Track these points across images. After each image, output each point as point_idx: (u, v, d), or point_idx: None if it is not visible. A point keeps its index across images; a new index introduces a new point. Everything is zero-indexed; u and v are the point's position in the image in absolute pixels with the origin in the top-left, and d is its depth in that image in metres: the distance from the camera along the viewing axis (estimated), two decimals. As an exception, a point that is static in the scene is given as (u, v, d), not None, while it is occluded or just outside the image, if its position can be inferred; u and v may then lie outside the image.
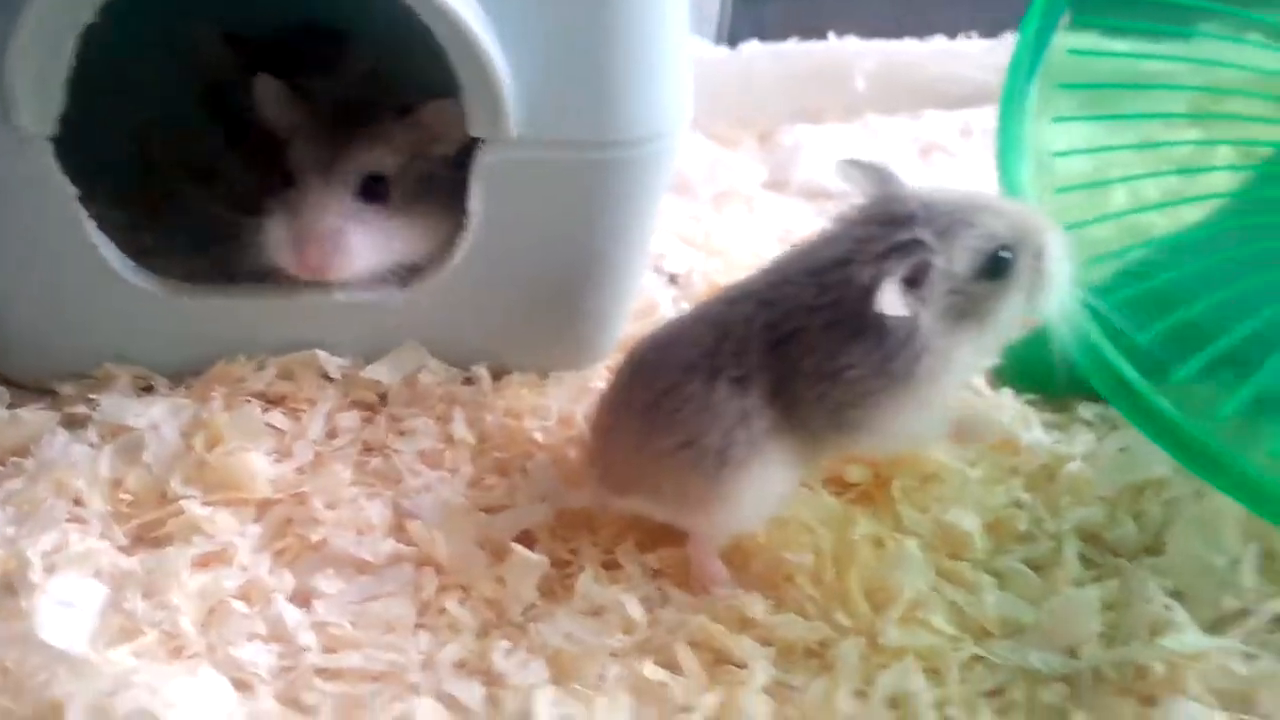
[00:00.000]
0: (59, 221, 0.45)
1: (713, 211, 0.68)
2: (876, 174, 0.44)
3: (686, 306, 0.61)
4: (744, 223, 0.67)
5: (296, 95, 0.48)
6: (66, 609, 0.39)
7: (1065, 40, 0.56)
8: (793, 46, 0.74)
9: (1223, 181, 0.59)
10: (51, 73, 0.41)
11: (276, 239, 0.47)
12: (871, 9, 0.80)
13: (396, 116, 0.48)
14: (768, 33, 0.76)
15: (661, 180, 0.49)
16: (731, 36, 0.76)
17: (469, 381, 0.52)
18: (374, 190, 0.48)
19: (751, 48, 0.73)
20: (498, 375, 0.53)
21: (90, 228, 0.45)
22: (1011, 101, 0.54)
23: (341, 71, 0.52)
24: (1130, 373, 0.46)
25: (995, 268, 0.41)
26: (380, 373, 0.50)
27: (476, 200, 0.46)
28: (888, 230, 0.41)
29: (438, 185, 0.48)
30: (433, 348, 0.51)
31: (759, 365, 0.42)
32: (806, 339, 0.42)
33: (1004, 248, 0.41)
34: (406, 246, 0.48)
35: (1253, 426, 0.46)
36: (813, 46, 0.74)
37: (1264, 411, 0.46)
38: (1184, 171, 0.59)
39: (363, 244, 0.47)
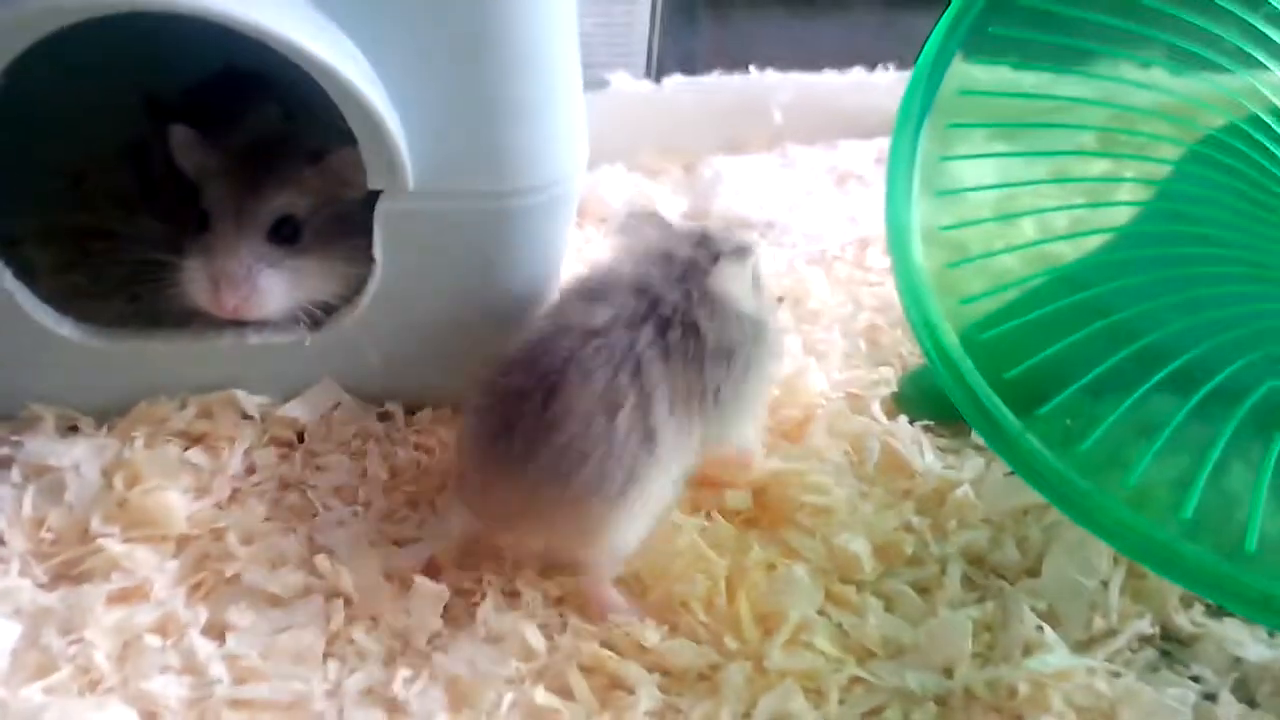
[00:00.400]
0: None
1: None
2: (656, 219, 0.51)
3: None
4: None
5: (209, 142, 0.50)
6: (-18, 648, 0.41)
7: (957, 80, 0.58)
8: (714, 80, 0.76)
9: (1122, 215, 0.61)
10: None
11: (194, 281, 0.49)
12: (795, 42, 0.83)
13: (307, 161, 0.50)
14: (695, 66, 0.79)
15: (560, 222, 0.51)
16: (659, 70, 0.78)
17: (384, 417, 0.54)
18: (285, 232, 0.50)
19: (675, 81, 0.76)
20: (412, 410, 0.55)
21: (6, 276, 0.47)
22: (900, 142, 0.56)
23: (255, 117, 0.54)
24: (993, 404, 0.49)
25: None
26: (297, 410, 0.52)
27: (380, 247, 0.48)
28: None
29: (349, 227, 0.49)
30: (348, 385, 0.53)
31: (657, 381, 0.45)
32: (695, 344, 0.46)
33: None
34: (319, 285, 0.50)
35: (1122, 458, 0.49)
36: (733, 80, 0.76)
37: (1131, 444, 0.49)
38: (1084, 206, 0.61)
39: (275, 284, 0.49)
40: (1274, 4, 0.53)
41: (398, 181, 0.45)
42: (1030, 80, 0.60)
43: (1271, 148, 0.55)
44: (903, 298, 0.52)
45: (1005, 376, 0.51)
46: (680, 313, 0.46)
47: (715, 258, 0.48)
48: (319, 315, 0.51)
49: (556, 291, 0.51)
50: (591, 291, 0.46)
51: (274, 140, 0.51)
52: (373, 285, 0.49)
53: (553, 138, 0.47)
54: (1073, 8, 0.57)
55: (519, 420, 0.43)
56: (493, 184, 0.47)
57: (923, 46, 0.73)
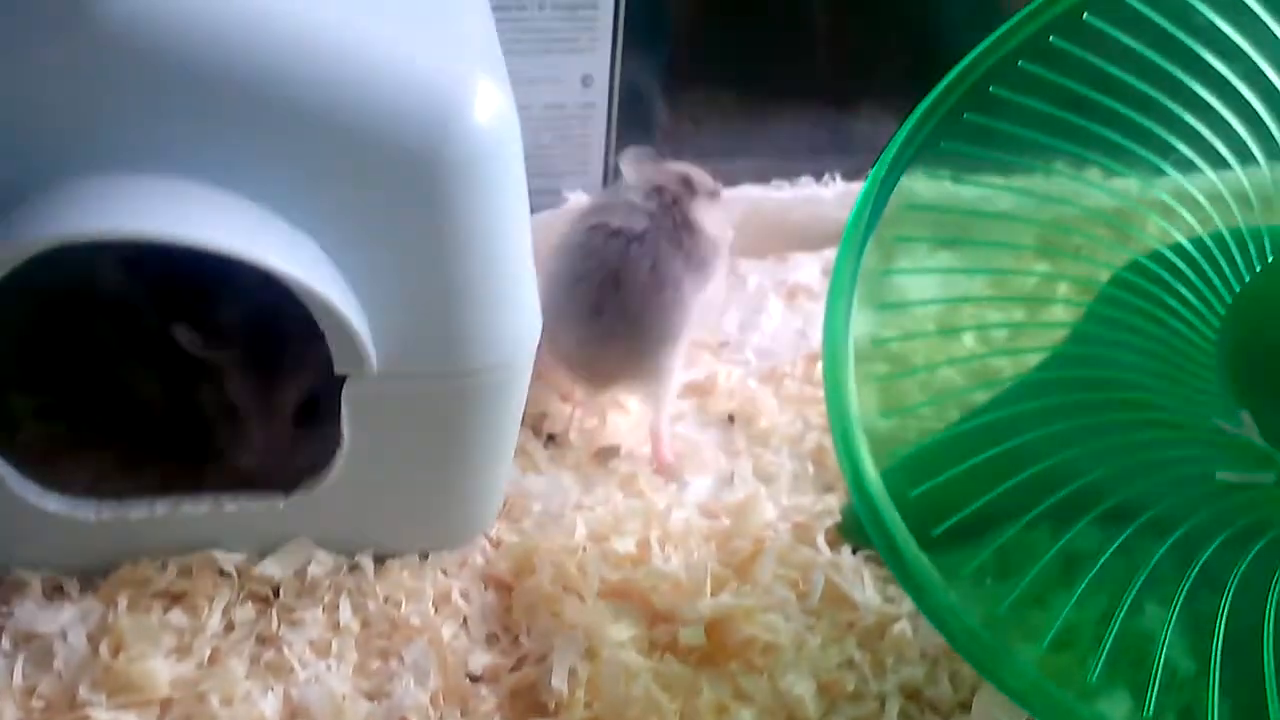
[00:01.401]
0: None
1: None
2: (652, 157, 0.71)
3: (565, 467, 0.68)
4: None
5: (214, 338, 0.53)
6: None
7: (904, 195, 0.59)
8: (668, 197, 0.79)
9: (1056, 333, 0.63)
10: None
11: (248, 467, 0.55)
12: (745, 155, 0.86)
13: (305, 339, 0.51)
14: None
15: (517, 389, 0.54)
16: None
17: (355, 568, 0.57)
18: (308, 410, 0.55)
19: (629, 199, 0.78)
20: (382, 559, 0.58)
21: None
22: (844, 259, 0.59)
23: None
24: (897, 531, 0.52)
25: None
26: (272, 568, 0.55)
27: (347, 423, 0.51)
28: None
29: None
30: (320, 540, 0.56)
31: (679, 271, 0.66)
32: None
33: None
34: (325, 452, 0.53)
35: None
36: (686, 197, 0.79)
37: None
38: (1021, 326, 0.64)
39: (308, 454, 0.54)
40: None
41: (362, 366, 0.48)
42: (970, 192, 0.64)
43: (1181, 289, 0.58)
44: (831, 422, 0.55)
45: (924, 492, 0.55)
46: (678, 228, 0.66)
47: (694, 194, 0.68)
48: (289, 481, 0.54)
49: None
50: (615, 208, 0.66)
51: (272, 319, 0.53)
52: (341, 456, 0.52)
53: (508, 318, 0.51)
54: (1026, 126, 0.58)
55: (603, 300, 0.63)
56: (453, 365, 0.50)
57: (869, 154, 0.76)
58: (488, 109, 0.47)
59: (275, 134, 0.45)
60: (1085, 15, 0.56)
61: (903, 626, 0.56)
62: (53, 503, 0.52)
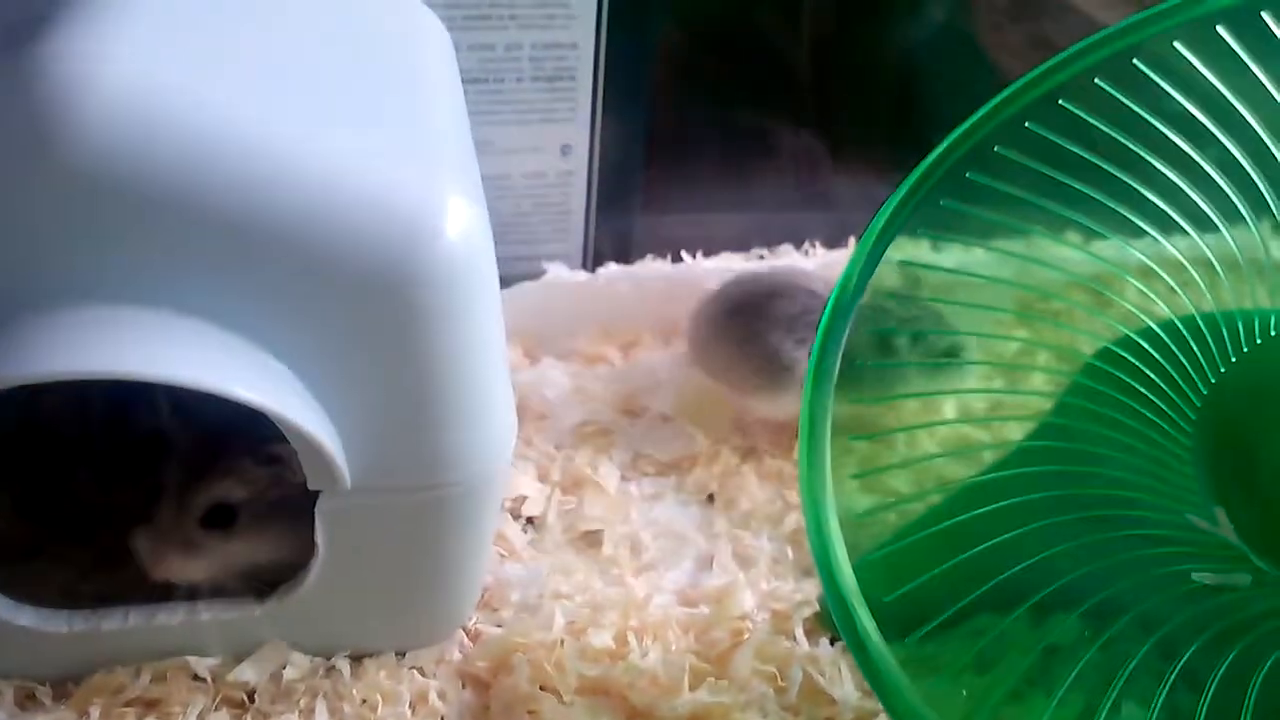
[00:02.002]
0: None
1: (572, 442, 0.73)
2: None
3: (544, 552, 0.67)
4: (602, 453, 0.73)
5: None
6: None
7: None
8: (648, 267, 0.80)
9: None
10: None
11: (139, 549, 0.54)
12: (725, 222, 0.86)
13: (248, 454, 0.52)
14: (630, 249, 0.82)
15: (492, 496, 0.54)
16: (596, 253, 0.82)
17: (330, 671, 0.57)
18: (222, 516, 0.54)
19: (610, 270, 0.79)
20: (359, 659, 0.58)
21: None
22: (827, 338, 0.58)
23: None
24: (867, 634, 0.52)
25: None
26: (247, 673, 0.55)
27: (321, 535, 0.51)
28: None
29: (290, 506, 0.52)
30: (296, 643, 0.56)
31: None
32: None
33: None
34: (252, 560, 0.54)
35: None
36: (664, 266, 0.80)
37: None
38: (984, 421, 0.64)
39: (202, 564, 0.54)
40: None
41: (335, 484, 0.48)
42: (949, 260, 0.64)
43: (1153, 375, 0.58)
44: (804, 513, 0.55)
45: (904, 592, 0.55)
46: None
47: None
48: (264, 588, 0.54)
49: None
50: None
51: (225, 429, 0.52)
52: (315, 566, 0.52)
53: (482, 432, 0.51)
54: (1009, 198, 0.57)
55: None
56: (427, 479, 0.50)
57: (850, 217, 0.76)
58: (457, 227, 0.47)
59: (242, 261, 0.45)
60: (1059, 101, 0.55)
61: (883, 721, 0.56)
62: (25, 617, 0.52)
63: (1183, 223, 0.56)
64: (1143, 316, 0.59)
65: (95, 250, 0.45)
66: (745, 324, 0.72)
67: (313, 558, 0.53)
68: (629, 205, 0.87)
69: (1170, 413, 0.57)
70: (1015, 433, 0.62)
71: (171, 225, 0.44)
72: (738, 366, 0.73)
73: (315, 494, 0.50)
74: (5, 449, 0.58)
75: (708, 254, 0.83)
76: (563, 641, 0.60)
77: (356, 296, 0.46)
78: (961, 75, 1.00)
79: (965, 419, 0.63)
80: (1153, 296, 0.59)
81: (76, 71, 0.44)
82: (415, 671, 0.58)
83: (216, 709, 0.55)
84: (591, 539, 0.68)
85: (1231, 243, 0.56)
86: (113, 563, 0.57)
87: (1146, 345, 0.59)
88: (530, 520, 0.69)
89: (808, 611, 0.63)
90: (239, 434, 0.53)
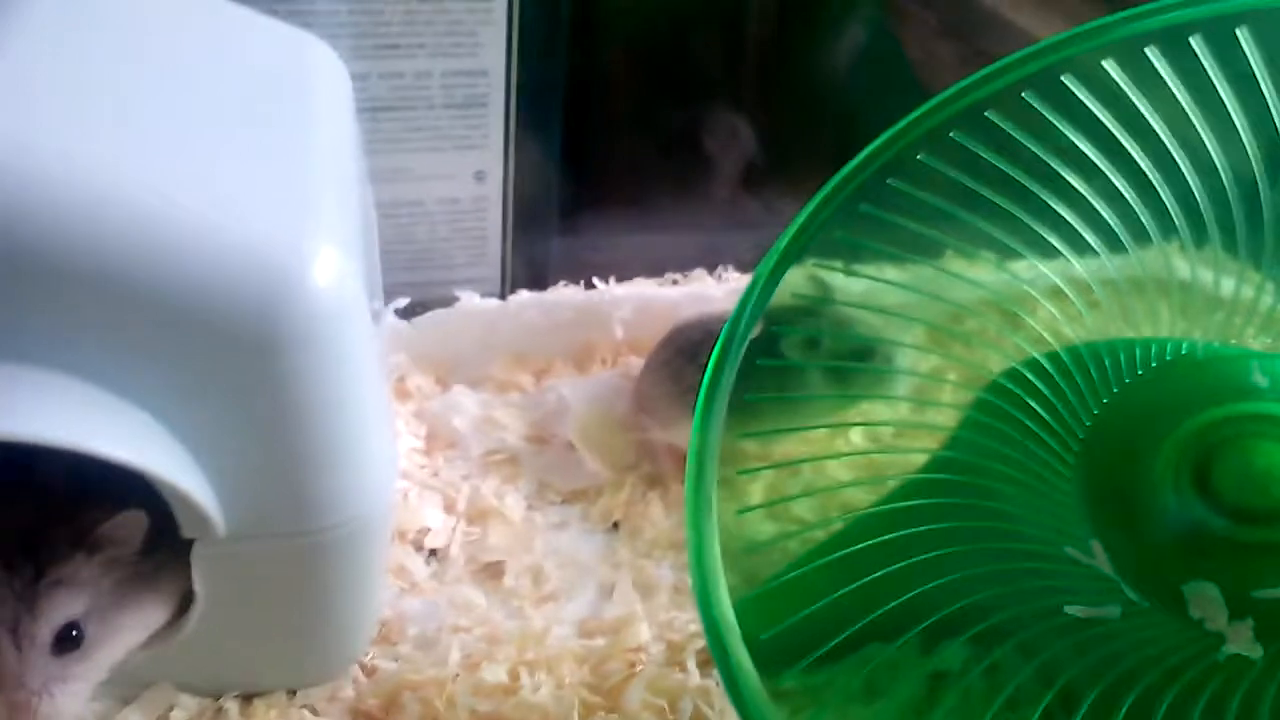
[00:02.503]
0: None
1: (479, 471, 0.73)
2: None
3: (445, 584, 0.68)
4: (508, 482, 0.73)
5: None
6: None
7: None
8: (559, 294, 0.80)
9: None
10: None
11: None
12: (639, 246, 0.87)
13: (75, 547, 0.48)
14: (546, 273, 0.83)
15: (377, 539, 0.55)
16: (512, 277, 0.82)
17: (220, 712, 0.57)
18: (72, 636, 0.48)
19: (521, 298, 0.79)
20: (248, 698, 0.58)
21: None
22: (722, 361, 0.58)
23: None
24: (742, 675, 0.53)
25: None
26: (133, 717, 0.56)
27: (198, 583, 0.51)
28: None
29: (144, 569, 0.51)
30: (183, 685, 0.56)
31: None
32: None
33: None
34: (128, 649, 0.51)
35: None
36: (575, 294, 0.80)
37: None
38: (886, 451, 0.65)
39: (74, 694, 0.48)
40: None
41: (209, 532, 0.48)
42: (859, 286, 0.64)
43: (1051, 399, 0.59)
44: (688, 545, 0.55)
45: (785, 650, 0.55)
46: None
47: None
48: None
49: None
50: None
51: (28, 531, 0.48)
52: (195, 614, 0.52)
53: (358, 478, 0.51)
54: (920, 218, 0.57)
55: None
56: (303, 524, 0.50)
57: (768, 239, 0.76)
58: (325, 278, 0.47)
59: (105, 314, 0.45)
60: (986, 112, 0.55)
61: (769, 757, 0.57)
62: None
63: (1094, 243, 0.56)
64: (1050, 339, 0.59)
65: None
66: (674, 360, 0.73)
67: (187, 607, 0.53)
68: (545, 230, 0.88)
69: (1055, 444, 0.58)
70: (917, 458, 0.63)
71: (29, 279, 0.44)
72: (660, 397, 0.74)
73: (184, 545, 0.50)
74: None
75: (622, 279, 0.83)
76: (457, 677, 0.60)
77: (221, 350, 0.46)
78: (892, 93, 1.00)
79: (867, 449, 0.64)
80: (1060, 319, 0.59)
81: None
82: (306, 710, 0.58)
83: (103, 752, 0.55)
84: (494, 570, 0.69)
85: (1139, 264, 0.57)
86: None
87: (1039, 373, 0.59)
88: (433, 552, 0.69)
89: (701, 643, 0.63)
90: (48, 534, 0.49)
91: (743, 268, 0.86)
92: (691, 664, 0.62)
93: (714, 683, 0.61)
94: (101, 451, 0.44)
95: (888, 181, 0.56)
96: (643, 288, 0.84)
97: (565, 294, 0.83)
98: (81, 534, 0.49)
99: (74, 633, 0.48)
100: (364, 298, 0.50)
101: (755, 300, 0.59)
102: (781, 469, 0.62)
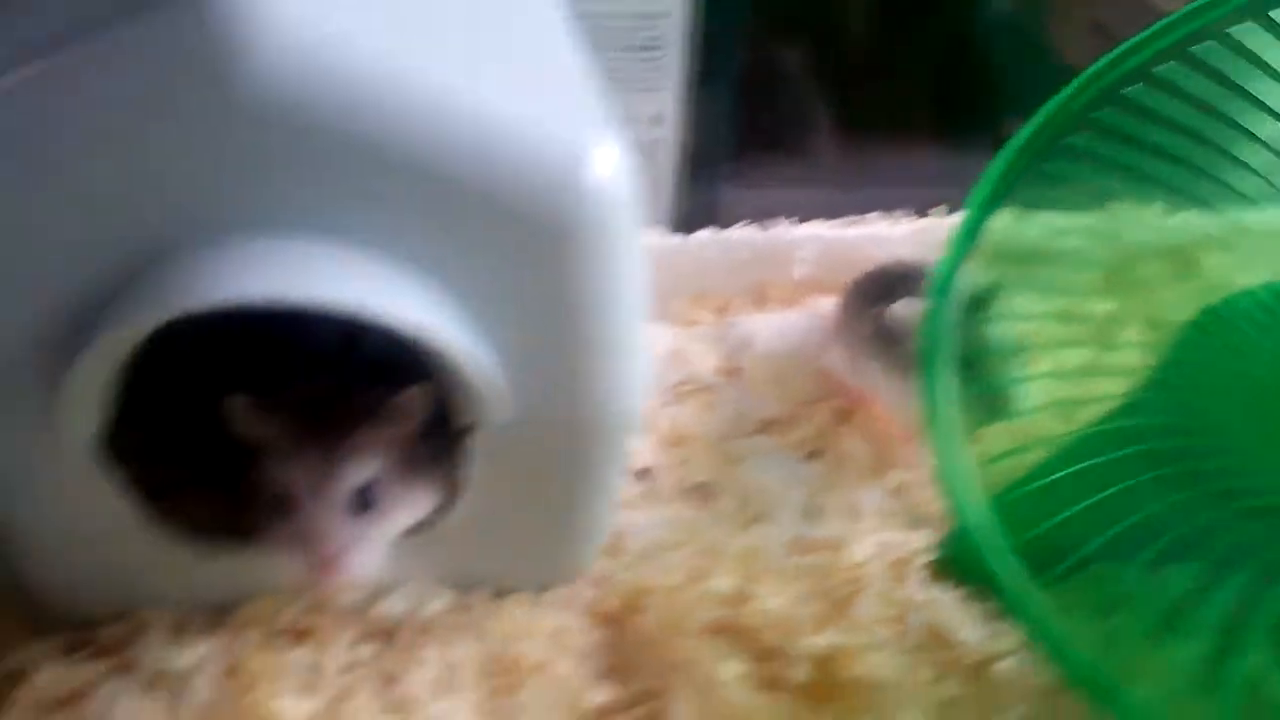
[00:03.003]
0: (108, 505, 0.51)
1: (675, 400, 0.74)
2: None
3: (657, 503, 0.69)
4: (704, 412, 0.74)
5: (267, 411, 0.51)
6: None
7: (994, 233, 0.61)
8: (738, 234, 0.81)
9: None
10: (98, 395, 0.47)
11: (290, 563, 0.51)
12: (814, 190, 0.88)
13: (370, 416, 0.51)
14: (718, 217, 0.84)
15: (633, 436, 0.56)
16: (689, 223, 0.83)
17: (469, 607, 0.58)
18: (365, 499, 0.51)
19: (701, 237, 0.80)
20: (497, 596, 0.59)
21: (132, 511, 0.51)
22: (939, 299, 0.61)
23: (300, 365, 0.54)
24: (1009, 571, 0.53)
25: None
26: (392, 606, 0.57)
27: (470, 471, 0.52)
28: None
29: (421, 452, 0.53)
30: (437, 577, 0.57)
31: None
32: None
33: None
34: (406, 522, 0.53)
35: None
36: (756, 233, 0.81)
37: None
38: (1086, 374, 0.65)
39: (370, 551, 0.51)
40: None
41: (491, 416, 0.49)
42: (1039, 231, 0.65)
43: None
44: (936, 457, 0.57)
45: (1027, 538, 0.56)
46: None
47: None
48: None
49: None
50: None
51: (333, 398, 0.51)
52: (461, 503, 0.53)
53: (632, 366, 0.52)
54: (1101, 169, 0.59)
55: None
56: (578, 411, 0.51)
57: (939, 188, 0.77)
58: (610, 164, 0.48)
59: (406, 195, 0.46)
60: (1155, 69, 0.56)
61: (1008, 665, 0.57)
62: (178, 547, 0.53)
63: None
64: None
65: (264, 183, 0.46)
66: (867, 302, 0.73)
67: (454, 496, 0.54)
68: (717, 175, 0.88)
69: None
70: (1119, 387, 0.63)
71: (338, 158, 0.45)
72: (855, 338, 0.74)
73: (452, 436, 0.52)
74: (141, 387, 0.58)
75: (797, 220, 0.84)
76: (687, 585, 0.60)
77: (519, 232, 0.47)
78: (1025, 57, 1.01)
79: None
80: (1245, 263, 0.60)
81: (250, 7, 0.44)
82: (551, 609, 0.59)
83: (363, 641, 0.56)
84: (702, 491, 0.69)
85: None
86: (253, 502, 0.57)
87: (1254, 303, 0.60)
88: (643, 472, 0.69)
89: (924, 559, 0.63)
90: (350, 402, 0.52)
91: (921, 213, 0.86)
92: (917, 579, 0.63)
93: (942, 597, 0.61)
94: (411, 324, 0.45)
95: (1067, 139, 0.58)
96: (819, 229, 0.84)
97: (745, 234, 0.84)
98: (376, 405, 0.51)
99: (367, 496, 0.51)
100: (637, 189, 0.50)
101: (962, 244, 0.60)
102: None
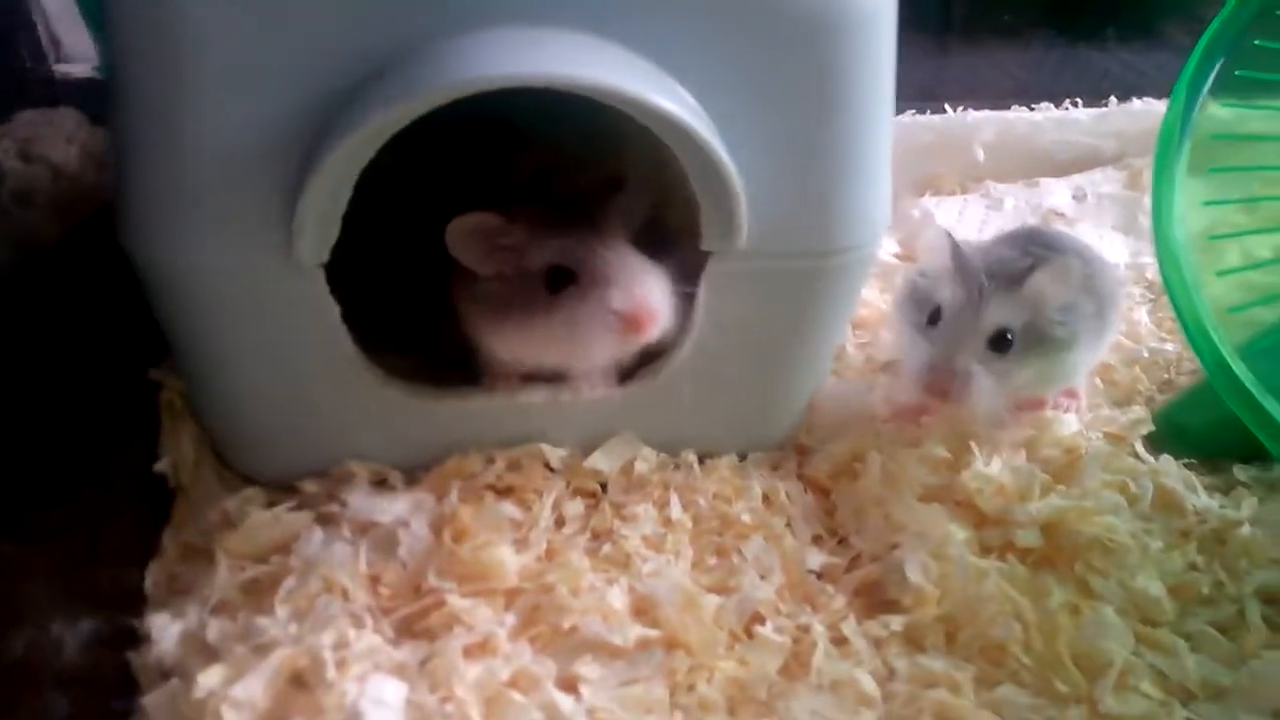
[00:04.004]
0: (323, 338, 0.48)
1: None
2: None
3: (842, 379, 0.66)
4: (884, 296, 0.71)
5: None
6: (377, 706, 0.43)
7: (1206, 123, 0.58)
8: (913, 120, 0.78)
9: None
10: (332, 211, 0.44)
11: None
12: (973, 81, 0.84)
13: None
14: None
15: (861, 281, 0.53)
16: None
17: (678, 467, 0.56)
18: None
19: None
20: (702, 459, 0.56)
21: (350, 343, 0.49)
22: (1164, 167, 0.57)
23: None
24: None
25: None
26: (600, 462, 0.54)
27: (701, 308, 0.49)
28: None
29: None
30: (643, 436, 0.55)
31: None
32: None
33: None
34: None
35: None
36: (932, 119, 0.78)
37: None
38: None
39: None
40: None
41: (732, 243, 0.47)
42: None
43: None
44: (1181, 314, 0.55)
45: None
46: None
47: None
48: (622, 372, 0.53)
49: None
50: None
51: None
52: (688, 344, 0.50)
53: (872, 200, 0.49)
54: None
55: None
56: (815, 244, 0.48)
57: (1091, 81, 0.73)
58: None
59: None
60: None
61: (1247, 532, 0.54)
62: (395, 389, 0.51)
63: None
64: None
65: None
66: None
67: (672, 346, 0.52)
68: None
69: None
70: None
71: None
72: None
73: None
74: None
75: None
76: (898, 453, 0.57)
77: (774, 31, 0.45)
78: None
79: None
80: None
81: None
82: (760, 471, 0.57)
83: (571, 498, 0.54)
84: (891, 369, 0.66)
85: None
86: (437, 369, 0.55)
87: None
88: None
89: (1143, 431, 0.60)
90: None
91: (1089, 103, 0.82)
92: (1139, 447, 0.59)
93: (1168, 466, 0.58)
94: (677, 117, 0.42)
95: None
96: (1002, 113, 0.81)
97: (918, 118, 0.80)
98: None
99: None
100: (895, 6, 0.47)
101: (1180, 126, 0.58)
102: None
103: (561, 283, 0.49)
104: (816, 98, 0.46)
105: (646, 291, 0.48)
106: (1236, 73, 0.58)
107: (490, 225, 0.49)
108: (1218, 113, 0.60)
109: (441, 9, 0.42)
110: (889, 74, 0.47)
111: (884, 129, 0.48)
